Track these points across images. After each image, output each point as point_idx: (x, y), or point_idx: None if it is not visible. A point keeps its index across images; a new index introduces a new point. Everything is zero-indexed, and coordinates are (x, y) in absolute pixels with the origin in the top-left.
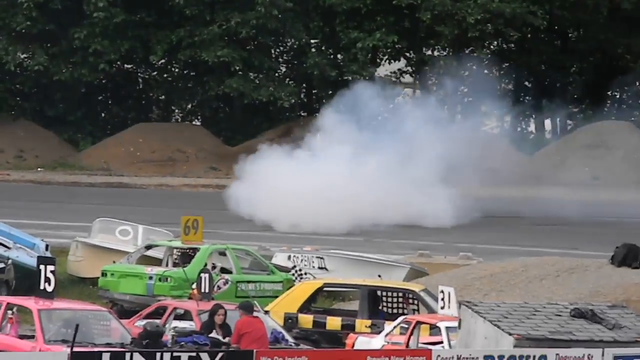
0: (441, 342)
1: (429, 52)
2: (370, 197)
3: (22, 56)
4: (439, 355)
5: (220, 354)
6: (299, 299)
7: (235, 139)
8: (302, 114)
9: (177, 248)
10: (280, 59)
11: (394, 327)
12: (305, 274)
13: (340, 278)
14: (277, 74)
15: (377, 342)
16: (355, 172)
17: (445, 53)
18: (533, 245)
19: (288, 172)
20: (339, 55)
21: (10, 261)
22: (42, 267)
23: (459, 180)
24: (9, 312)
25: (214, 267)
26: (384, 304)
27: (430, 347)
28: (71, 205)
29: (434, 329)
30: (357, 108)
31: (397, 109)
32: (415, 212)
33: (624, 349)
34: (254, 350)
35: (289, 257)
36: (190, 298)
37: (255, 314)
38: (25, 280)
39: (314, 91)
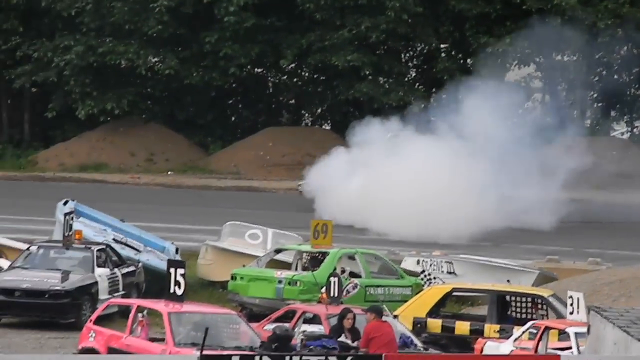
0: (570, 348)
1: (559, 57)
2: (480, 201)
3: (153, 60)
4: None
5: (349, 358)
6: (428, 303)
7: None
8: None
9: (306, 252)
10: (410, 64)
11: (523, 332)
12: (434, 278)
13: (469, 283)
14: (406, 79)
15: (505, 347)
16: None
17: (575, 58)
18: None
19: (396, 178)
20: (468, 60)
21: (140, 264)
22: (172, 270)
23: (579, 185)
24: (140, 314)
25: (343, 271)
26: (513, 309)
27: (559, 352)
28: (201, 209)
29: (562, 334)
30: (482, 110)
31: (525, 114)
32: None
33: None
34: (383, 355)
35: (418, 262)
36: (319, 302)
37: (384, 318)
38: (155, 283)
39: (443, 96)
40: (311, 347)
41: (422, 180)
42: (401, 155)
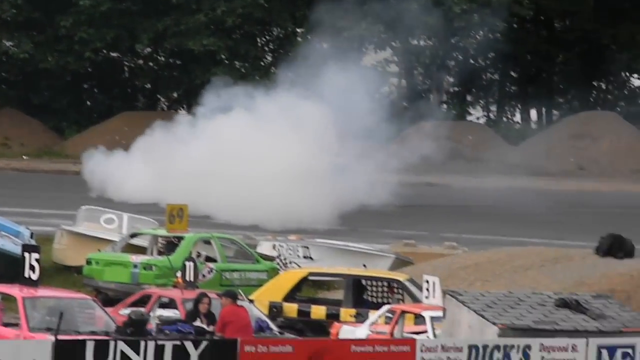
0: (426, 332)
1: (415, 42)
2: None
3: (8, 44)
4: (423, 345)
5: (204, 343)
6: (284, 288)
7: None
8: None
9: (162, 236)
10: (266, 48)
11: (379, 316)
12: (290, 262)
13: (325, 267)
14: (262, 63)
15: (361, 331)
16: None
17: (431, 42)
18: (518, 235)
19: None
20: (324, 44)
21: None
22: (26, 254)
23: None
24: None
25: (198, 256)
26: (369, 293)
27: (414, 336)
28: (56, 194)
29: (418, 318)
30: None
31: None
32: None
33: (608, 339)
34: (238, 339)
35: (274, 246)
36: (174, 286)
37: (239, 302)
38: (9, 268)
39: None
40: (167, 331)
41: (255, 163)
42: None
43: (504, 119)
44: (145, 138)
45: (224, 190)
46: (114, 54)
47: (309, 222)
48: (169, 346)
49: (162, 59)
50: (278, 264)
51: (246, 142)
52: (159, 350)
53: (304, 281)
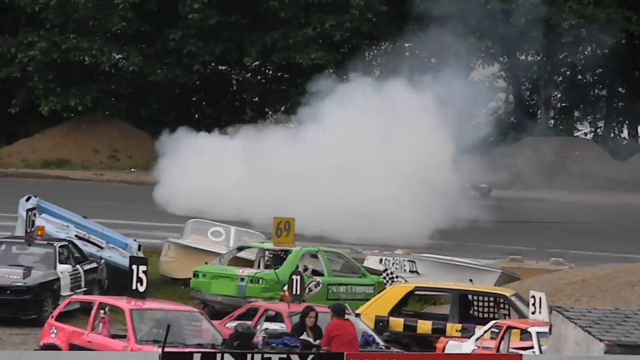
0: (532, 347)
1: (523, 57)
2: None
3: (117, 57)
4: None
5: (310, 356)
6: (390, 302)
7: None
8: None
9: (269, 250)
10: (374, 62)
11: (485, 331)
12: (397, 277)
13: (432, 282)
14: (370, 77)
15: (467, 346)
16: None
17: (539, 58)
18: (624, 252)
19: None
20: (432, 59)
21: (103, 261)
22: (134, 267)
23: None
24: (102, 311)
25: (305, 269)
26: (475, 308)
27: (520, 352)
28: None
29: (524, 334)
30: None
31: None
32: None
33: None
34: (345, 353)
35: (381, 260)
36: (281, 300)
37: (346, 316)
38: (117, 280)
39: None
40: (273, 345)
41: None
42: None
43: (611, 134)
44: (247, 149)
45: (329, 201)
46: (222, 67)
47: (413, 236)
48: (275, 359)
49: (270, 72)
50: (384, 278)
51: (349, 152)
52: None
53: (410, 295)
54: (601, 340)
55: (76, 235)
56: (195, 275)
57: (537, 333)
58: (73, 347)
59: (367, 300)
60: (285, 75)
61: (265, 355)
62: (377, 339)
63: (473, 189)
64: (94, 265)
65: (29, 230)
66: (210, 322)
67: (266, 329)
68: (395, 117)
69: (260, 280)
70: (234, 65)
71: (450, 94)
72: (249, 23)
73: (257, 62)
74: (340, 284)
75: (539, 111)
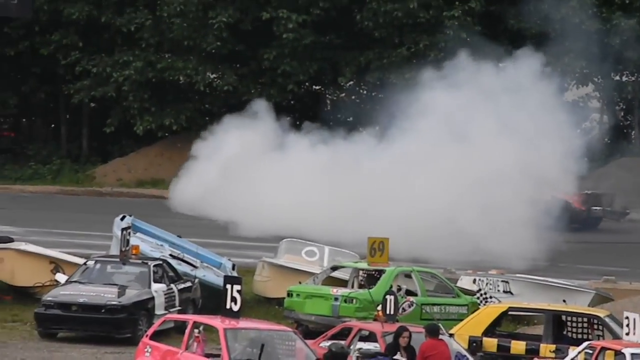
0: None
1: (617, 77)
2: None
3: (212, 76)
4: None
5: None
6: (484, 322)
7: None
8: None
9: (363, 269)
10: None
11: (579, 352)
12: (490, 297)
13: (525, 302)
14: None
15: None
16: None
17: (633, 78)
18: None
19: None
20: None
21: (197, 280)
22: (228, 286)
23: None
24: (196, 330)
25: (399, 289)
26: (569, 329)
27: None
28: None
29: (618, 355)
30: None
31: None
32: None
33: None
34: None
35: (474, 281)
36: (375, 320)
37: (440, 336)
38: (211, 300)
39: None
40: None
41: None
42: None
43: None
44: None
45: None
46: (316, 87)
47: (507, 257)
48: None
49: (364, 92)
50: (478, 298)
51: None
52: None
53: (504, 316)
54: None
55: (170, 255)
56: (289, 294)
57: (632, 354)
58: None
59: (461, 320)
60: (380, 95)
61: None
62: (471, 359)
63: (608, 214)
64: (188, 284)
65: (123, 249)
66: (304, 341)
67: (360, 348)
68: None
69: (354, 300)
70: (328, 84)
71: (545, 114)
72: (343, 43)
73: (351, 82)
74: (434, 304)
75: (633, 132)
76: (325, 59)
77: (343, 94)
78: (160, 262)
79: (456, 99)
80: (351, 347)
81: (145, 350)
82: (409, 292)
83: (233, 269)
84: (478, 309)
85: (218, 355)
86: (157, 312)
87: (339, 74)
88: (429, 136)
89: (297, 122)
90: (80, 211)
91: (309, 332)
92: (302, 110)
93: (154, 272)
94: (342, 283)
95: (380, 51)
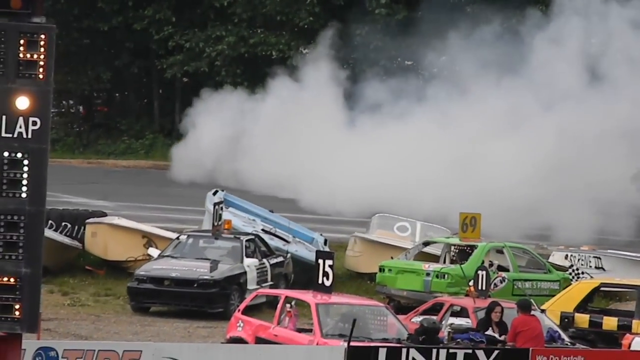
0: None
1: None
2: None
3: (305, 51)
4: None
5: (496, 352)
6: (576, 298)
7: None
8: None
9: (454, 245)
10: None
11: None
12: (582, 273)
13: (617, 278)
14: None
15: None
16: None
17: None
18: None
19: None
20: None
21: (289, 255)
22: (320, 261)
23: None
24: (288, 305)
25: (491, 265)
26: None
27: None
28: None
29: None
30: None
31: None
32: None
33: None
34: (530, 349)
35: (566, 257)
36: (467, 295)
37: (532, 312)
38: (303, 274)
39: None
40: (458, 340)
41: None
42: None
43: None
44: None
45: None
46: (408, 62)
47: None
48: (460, 354)
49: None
50: (570, 274)
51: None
52: (451, 358)
53: (595, 292)
54: None
55: (263, 229)
56: (381, 270)
57: None
58: (259, 340)
59: (553, 296)
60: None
61: (451, 350)
62: (563, 335)
63: None
64: (280, 259)
65: (216, 224)
66: (396, 316)
67: (452, 324)
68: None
69: (446, 276)
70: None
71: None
72: (435, 18)
73: (443, 57)
74: (526, 280)
75: None
76: (417, 34)
77: (435, 69)
78: (253, 236)
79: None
80: (443, 322)
81: (238, 324)
82: (501, 268)
83: (325, 244)
84: (570, 284)
85: (310, 330)
86: (249, 286)
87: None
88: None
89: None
90: (173, 186)
91: (401, 307)
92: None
93: (246, 247)
94: (434, 258)
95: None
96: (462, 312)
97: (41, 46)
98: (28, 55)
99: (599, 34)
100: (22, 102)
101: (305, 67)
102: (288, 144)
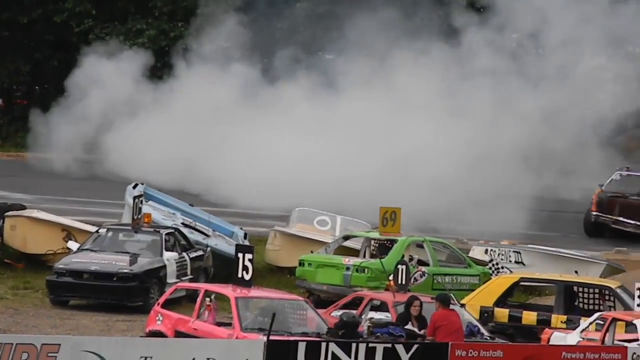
0: (637, 340)
1: None
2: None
3: (226, 45)
4: (634, 353)
5: (415, 346)
6: (495, 292)
7: None
8: None
9: (374, 239)
10: None
11: (590, 323)
12: (502, 268)
13: (537, 273)
14: None
15: (572, 337)
16: None
17: None
18: None
19: None
20: None
21: (209, 249)
22: (240, 255)
23: None
24: (207, 299)
25: (411, 259)
26: (580, 299)
27: (625, 344)
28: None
29: (630, 326)
30: None
31: None
32: None
33: None
34: (450, 343)
35: (486, 251)
36: (386, 289)
37: (451, 306)
38: (223, 268)
39: None
40: (378, 334)
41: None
42: None
43: None
44: None
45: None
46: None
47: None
48: (380, 349)
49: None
50: (490, 268)
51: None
52: (370, 353)
53: (515, 286)
54: None
55: (183, 223)
56: (301, 264)
57: None
58: (179, 334)
59: (473, 290)
60: None
61: (371, 345)
62: (482, 330)
63: None
64: (200, 253)
65: (135, 217)
66: (316, 311)
67: (371, 318)
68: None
69: (366, 270)
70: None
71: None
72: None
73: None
74: (446, 274)
75: None
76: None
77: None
78: (172, 230)
79: None
80: (362, 316)
81: (157, 318)
82: (421, 262)
83: (245, 237)
84: (490, 279)
85: (229, 324)
86: (169, 280)
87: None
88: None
89: None
90: (93, 179)
91: (321, 301)
92: None
93: (166, 241)
94: (354, 252)
95: None
96: (382, 307)
97: None
98: None
99: None
100: None
101: (216, 56)
102: (199, 133)
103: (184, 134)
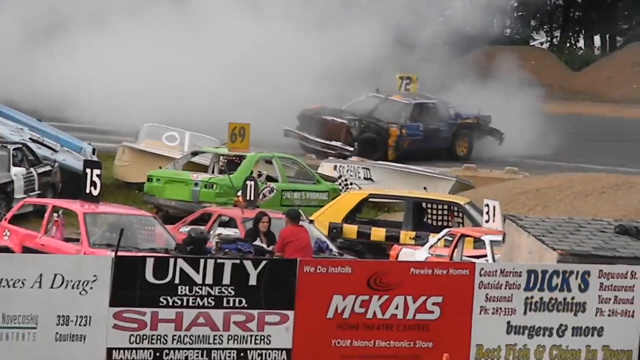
0: (485, 256)
1: None
2: None
3: None
4: (482, 269)
5: (263, 262)
6: (344, 209)
7: None
8: None
9: (223, 155)
10: None
11: (438, 239)
12: (351, 184)
13: (386, 189)
14: None
15: (420, 254)
16: None
17: None
18: (579, 161)
19: None
20: None
21: (56, 164)
22: (88, 170)
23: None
24: (55, 214)
25: (259, 175)
26: (429, 216)
27: (473, 260)
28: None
29: (478, 242)
30: None
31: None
32: None
33: None
34: (298, 259)
35: (335, 167)
36: (235, 205)
37: (300, 222)
38: (71, 184)
39: None
40: (226, 250)
41: None
42: None
43: (567, 44)
44: None
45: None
46: None
47: None
48: (228, 265)
49: None
50: (339, 184)
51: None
52: (218, 269)
53: (364, 203)
54: (554, 249)
55: (30, 138)
56: (149, 179)
57: (491, 241)
58: (26, 249)
59: (321, 206)
60: None
61: (219, 261)
62: (331, 246)
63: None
64: (47, 168)
65: None
66: (164, 226)
67: (219, 234)
68: None
69: (214, 186)
70: None
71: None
72: None
73: None
74: (295, 190)
75: (495, 20)
76: None
77: None
78: (20, 145)
79: None
80: (211, 232)
81: (4, 233)
82: (270, 178)
83: (93, 153)
84: (339, 195)
85: (77, 240)
86: (16, 195)
87: None
88: None
89: None
90: None
91: (169, 217)
92: None
93: (14, 156)
94: (203, 168)
95: None
96: (231, 223)
97: None
98: None
99: None
100: None
101: None
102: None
103: (26, 42)
